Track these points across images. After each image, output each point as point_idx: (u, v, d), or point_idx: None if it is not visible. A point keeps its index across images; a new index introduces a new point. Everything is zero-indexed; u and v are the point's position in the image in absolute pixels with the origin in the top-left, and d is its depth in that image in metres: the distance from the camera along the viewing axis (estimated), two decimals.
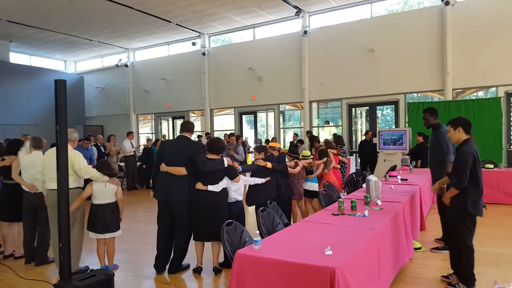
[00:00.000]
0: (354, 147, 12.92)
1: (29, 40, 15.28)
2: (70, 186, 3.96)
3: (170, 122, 17.20)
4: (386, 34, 11.53)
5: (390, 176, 6.38)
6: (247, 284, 2.64)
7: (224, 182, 4.19)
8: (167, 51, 16.70)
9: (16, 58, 16.71)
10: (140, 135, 17.73)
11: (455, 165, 3.60)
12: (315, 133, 12.68)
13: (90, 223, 4.22)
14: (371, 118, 12.61)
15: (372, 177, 4.46)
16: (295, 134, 12.77)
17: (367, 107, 12.68)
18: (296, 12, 12.57)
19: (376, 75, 11.70)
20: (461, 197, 3.51)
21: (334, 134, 9.73)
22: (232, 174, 4.22)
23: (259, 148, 5.03)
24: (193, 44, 15.15)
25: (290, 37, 13.36)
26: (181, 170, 4.10)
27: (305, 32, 12.85)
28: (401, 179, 6.09)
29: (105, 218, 4.17)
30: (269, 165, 4.73)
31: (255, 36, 14.46)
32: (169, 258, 4.31)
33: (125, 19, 13.05)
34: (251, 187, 4.71)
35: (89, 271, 4.16)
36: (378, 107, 12.63)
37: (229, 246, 3.05)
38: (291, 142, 12.37)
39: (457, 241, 3.57)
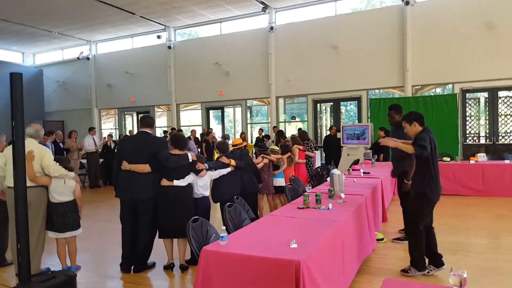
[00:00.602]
0: (319, 142, 13.19)
1: None
2: (31, 184, 3.85)
3: (135, 117, 16.75)
4: (350, 32, 11.83)
5: (353, 170, 6.59)
6: (213, 280, 2.64)
7: (191, 178, 4.18)
8: (131, 44, 16.22)
9: None
10: (103, 130, 17.14)
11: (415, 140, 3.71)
12: (281, 128, 12.84)
13: (48, 222, 4.05)
14: (335, 113, 12.93)
15: (335, 171, 4.59)
16: (261, 129, 12.87)
17: (332, 103, 12.98)
18: (263, 8, 12.62)
19: (340, 71, 11.99)
20: (420, 183, 3.70)
21: (299, 130, 9.89)
22: (196, 169, 4.21)
23: (220, 146, 5.03)
24: (158, 37, 14.83)
25: (257, 32, 13.39)
26: (145, 167, 4.01)
27: (272, 28, 12.95)
28: (364, 173, 6.31)
29: (64, 216, 4.02)
30: (233, 162, 4.73)
31: (222, 30, 14.37)
32: (135, 257, 4.21)
33: (87, 10, 12.53)
34: (215, 183, 4.70)
35: (50, 272, 3.99)
36: (342, 103, 12.96)
37: (195, 243, 3.04)
38: (257, 138, 12.46)
39: (411, 225, 3.77)
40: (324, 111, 13.58)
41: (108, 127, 17.63)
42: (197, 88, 14.53)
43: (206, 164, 4.37)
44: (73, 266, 4.18)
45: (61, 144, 9.93)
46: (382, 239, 4.87)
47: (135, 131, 16.18)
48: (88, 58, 16.57)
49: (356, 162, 7.95)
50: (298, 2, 12.53)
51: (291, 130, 13.66)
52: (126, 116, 16.96)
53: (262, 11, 12.81)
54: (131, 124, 16.94)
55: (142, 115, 15.64)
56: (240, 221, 3.69)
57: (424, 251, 3.75)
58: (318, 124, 13.31)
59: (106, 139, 11.38)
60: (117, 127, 17.00)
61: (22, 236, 3.27)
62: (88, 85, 16.76)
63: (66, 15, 13.01)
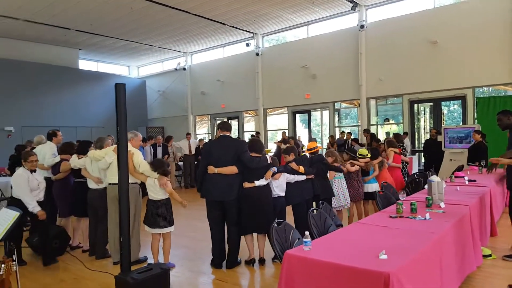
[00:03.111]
0: (417, 145, 12.21)
1: (96, 47, 16.48)
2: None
3: None
4: (451, 25, 10.70)
5: (456, 177, 5.90)
6: (296, 284, 2.58)
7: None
8: (222, 53, 17.05)
9: (85, 64, 18.07)
10: (197, 135, 18.32)
11: None
12: (374, 132, 12.20)
13: (145, 217, 4.42)
14: (436, 114, 11.79)
15: (434, 178, 4.15)
16: (342, 132, 12.39)
17: (431, 103, 11.88)
18: (352, 6, 12.16)
19: (440, 68, 10.92)
20: None
21: (394, 133, 9.24)
22: (272, 171, 4.37)
23: (288, 150, 4.94)
24: (247, 45, 15.33)
25: (346, 32, 12.97)
26: (233, 169, 4.23)
27: (362, 26, 12.40)
28: (469, 180, 5.59)
29: (155, 214, 4.31)
30: (301, 169, 4.63)
31: (309, 33, 14.25)
32: (225, 255, 4.43)
33: (182, 23, 13.54)
34: (287, 187, 4.71)
35: (147, 264, 4.34)
36: (443, 103, 11.76)
37: (278, 246, 3.01)
38: (338, 139, 12.04)
39: None
40: (423, 112, 12.51)
41: (202, 132, 18.79)
42: (284, 93, 14.62)
43: (274, 168, 4.42)
44: (166, 263, 4.39)
45: (160, 148, 10.88)
46: (489, 256, 4.25)
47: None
48: (184, 69, 17.91)
49: (460, 168, 7.08)
50: None
51: (384, 133, 12.89)
52: (218, 121, 17.84)
53: (352, 10, 12.34)
54: None
55: (222, 120, 16.46)
56: (326, 227, 3.54)
57: None
58: (415, 126, 12.30)
59: (198, 143, 12.16)
60: (210, 132, 17.99)
61: (124, 230, 3.59)
62: (185, 94, 18.08)
63: (164, 29, 14.22)
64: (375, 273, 2.24)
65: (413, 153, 11.62)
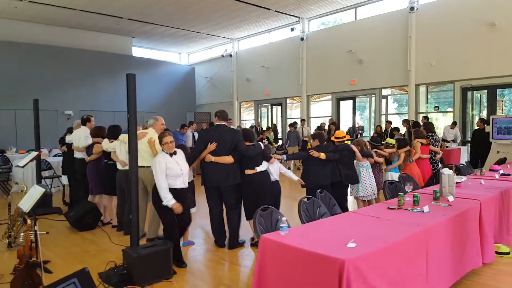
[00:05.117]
0: (468, 136, 11.35)
1: (148, 35, 17.10)
2: (147, 164, 4.56)
3: (269, 109, 17.58)
4: (510, 6, 9.65)
5: (490, 170, 5.45)
6: (268, 266, 2.68)
7: (266, 164, 4.50)
8: (268, 39, 16.95)
9: (138, 52, 18.79)
10: (242, 121, 18.58)
11: None
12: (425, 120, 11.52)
13: None
14: (490, 103, 10.82)
15: (446, 170, 3.92)
16: (387, 122, 11.84)
17: (486, 90, 10.91)
18: None
19: (497, 53, 9.94)
20: None
21: (425, 123, 8.70)
22: (267, 156, 4.52)
23: (314, 136, 5.03)
24: (292, 29, 15.10)
25: (395, 15, 12.27)
26: (229, 159, 4.37)
27: (412, 8, 11.66)
28: (503, 174, 5.14)
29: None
30: (322, 156, 4.70)
31: (357, 16, 13.67)
32: (225, 234, 4.65)
33: (227, 10, 13.62)
34: (305, 171, 4.87)
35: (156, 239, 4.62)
36: (499, 90, 10.74)
37: (260, 229, 3.09)
38: (385, 131, 11.54)
39: None
40: (478, 99, 11.55)
41: (247, 118, 19.00)
42: (328, 79, 14.26)
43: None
44: (185, 241, 4.70)
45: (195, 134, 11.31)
46: (508, 253, 3.94)
47: (264, 123, 17.05)
48: (230, 55, 18.12)
49: (502, 161, 6.51)
50: None
51: (441, 121, 12.11)
52: (262, 108, 17.94)
53: None
54: (266, 115, 17.84)
55: (280, 107, 16.42)
56: (317, 215, 3.53)
57: None
58: (469, 115, 11.41)
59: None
60: (254, 118, 18.17)
61: (134, 209, 3.85)
62: (231, 80, 18.31)
63: (210, 16, 14.43)
64: (332, 259, 2.27)
65: (463, 143, 10.85)
